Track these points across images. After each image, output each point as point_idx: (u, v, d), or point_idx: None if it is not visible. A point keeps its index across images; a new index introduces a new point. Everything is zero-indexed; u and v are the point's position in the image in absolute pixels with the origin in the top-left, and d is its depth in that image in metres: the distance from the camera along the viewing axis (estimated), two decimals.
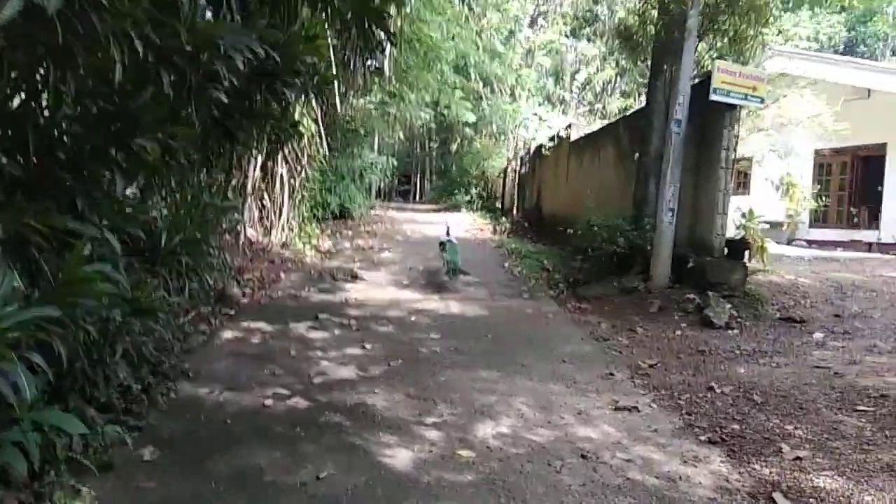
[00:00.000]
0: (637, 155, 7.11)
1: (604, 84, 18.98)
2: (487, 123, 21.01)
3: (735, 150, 6.47)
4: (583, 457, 3.00)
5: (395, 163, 17.60)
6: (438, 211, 21.09)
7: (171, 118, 2.61)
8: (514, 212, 18.49)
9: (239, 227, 7.96)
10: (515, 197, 18.88)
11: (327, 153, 9.91)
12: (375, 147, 28.77)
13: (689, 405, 3.82)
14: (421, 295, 6.84)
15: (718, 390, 4.04)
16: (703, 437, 3.34)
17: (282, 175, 8.81)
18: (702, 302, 5.74)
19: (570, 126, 11.66)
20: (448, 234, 8.61)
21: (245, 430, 3.02)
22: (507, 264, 9.06)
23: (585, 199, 9.97)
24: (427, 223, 14.33)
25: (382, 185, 31.19)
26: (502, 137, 23.06)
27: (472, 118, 16.56)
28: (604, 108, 16.83)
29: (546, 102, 20.53)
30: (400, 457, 2.84)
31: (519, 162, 19.10)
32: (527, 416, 3.47)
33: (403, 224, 14.73)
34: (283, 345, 4.61)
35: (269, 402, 3.40)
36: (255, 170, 8.30)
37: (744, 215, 6.94)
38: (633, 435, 3.32)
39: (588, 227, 7.29)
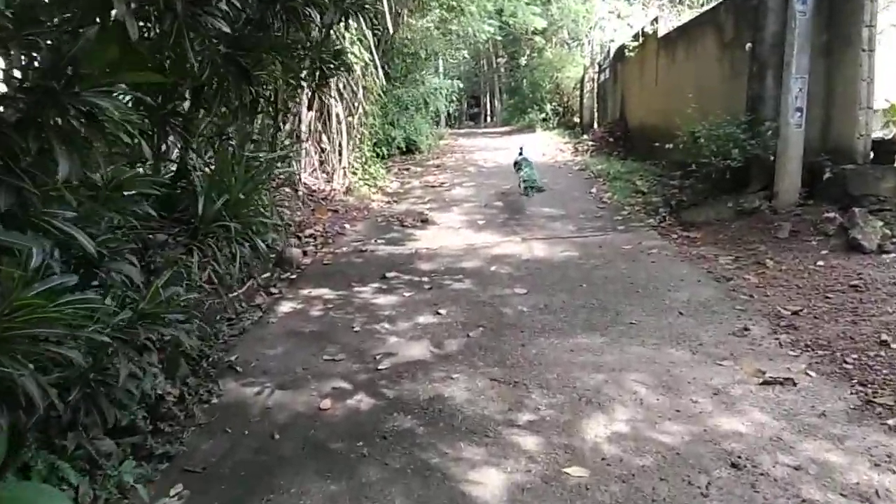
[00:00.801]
0: (749, 45, 5.85)
1: None
2: (558, 29, 19.28)
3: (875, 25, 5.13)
4: (734, 465, 2.26)
5: (462, 85, 16.50)
6: (511, 133, 19.90)
7: (135, 59, 1.93)
8: (595, 127, 17.05)
9: (296, 177, 7.45)
10: (595, 110, 17.36)
11: (385, 83, 9.07)
12: (441, 70, 27.59)
13: (859, 370, 2.95)
14: (500, 237, 6.10)
15: (894, 344, 3.14)
16: (891, 422, 2.50)
17: (338, 114, 8.13)
18: (845, 221, 4.66)
19: (656, 19, 10.15)
20: (521, 153, 8.49)
21: (296, 448, 2.48)
22: (594, 190, 8.09)
23: (682, 105, 8.70)
24: (500, 149, 13.35)
25: (450, 110, 30.14)
26: (575, 44, 21.23)
27: (541, 24, 15.07)
28: None
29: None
30: (489, 482, 2.21)
31: (597, 69, 17.44)
32: (648, 403, 2.74)
33: (475, 153, 13.84)
34: (346, 317, 4.05)
35: (326, 403, 2.85)
36: (307, 111, 7.66)
37: (891, 108, 5.62)
38: (794, 424, 2.53)
39: (692, 138, 6.20)
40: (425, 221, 6.96)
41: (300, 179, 7.44)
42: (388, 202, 8.12)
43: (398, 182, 9.55)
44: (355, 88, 8.42)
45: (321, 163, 8.23)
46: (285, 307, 4.31)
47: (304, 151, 7.67)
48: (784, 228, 4.98)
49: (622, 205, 7.13)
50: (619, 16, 16.70)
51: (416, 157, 13.02)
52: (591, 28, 18.71)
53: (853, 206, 4.67)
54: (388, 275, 4.93)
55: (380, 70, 8.77)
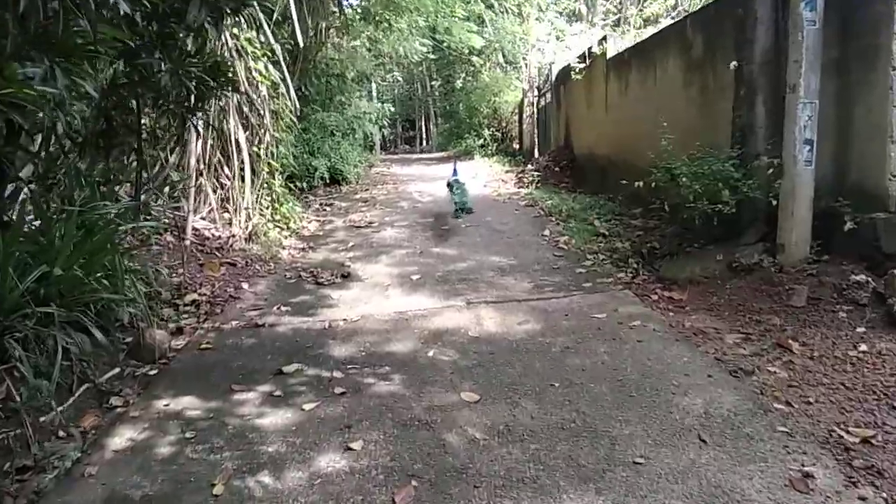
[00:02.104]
0: (734, 64, 4.93)
1: None
2: (494, 51, 18.52)
3: None
4: None
5: (393, 109, 15.37)
6: (449, 160, 18.91)
7: None
8: (536, 153, 16.27)
9: (183, 222, 6.03)
10: (535, 136, 16.60)
11: (300, 107, 7.77)
12: (374, 94, 26.50)
13: None
14: (439, 300, 4.87)
15: None
16: None
17: (238, 142, 6.76)
18: (882, 287, 3.70)
19: (604, 38, 9.34)
20: (455, 173, 8.97)
21: None
22: (547, 232, 7.02)
23: (638, 134, 7.83)
24: (437, 178, 12.22)
25: (385, 134, 29.03)
26: (512, 67, 20.58)
27: (478, 42, 14.18)
28: (640, 13, 14.21)
29: (559, 18, 17.92)
30: None
31: (536, 93, 16.72)
32: None
33: (409, 184, 12.67)
34: (208, 459, 2.69)
35: None
36: (196, 139, 6.27)
37: None
38: None
39: (667, 175, 5.20)
40: (346, 277, 5.67)
41: (188, 225, 6.02)
42: (303, 249, 6.77)
43: (317, 222, 8.21)
44: (262, 112, 7.09)
45: (223, 201, 6.82)
46: (121, 438, 2.90)
47: (193, 189, 6.26)
48: (799, 294, 3.98)
49: (583, 252, 6.06)
50: (557, 37, 16.09)
51: (343, 188, 11.71)
52: (528, 50, 18.05)
53: (889, 266, 3.71)
54: (288, 368, 3.60)
55: (292, 91, 7.47)
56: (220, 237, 6.32)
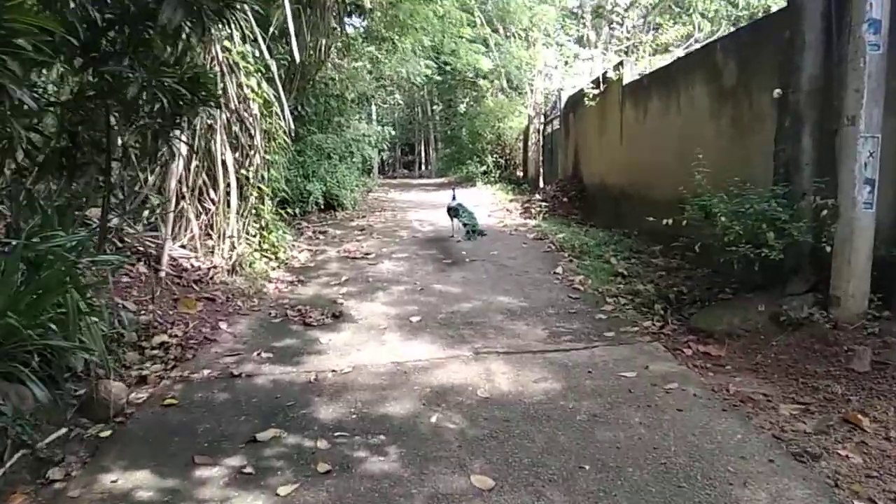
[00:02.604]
0: (778, 92, 4.50)
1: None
2: (499, 76, 18.26)
3: None
4: None
5: (394, 132, 15.01)
6: (449, 185, 18.51)
7: None
8: (541, 182, 15.89)
9: (161, 250, 5.54)
10: (541, 164, 16.22)
11: (295, 127, 7.33)
12: (374, 117, 26.25)
13: None
14: (443, 348, 4.36)
15: None
16: None
17: (225, 163, 6.30)
18: None
19: (620, 64, 8.98)
20: (454, 197, 8.59)
21: None
22: (560, 269, 6.52)
23: (657, 167, 7.41)
24: (438, 206, 11.72)
25: (383, 157, 28.70)
26: (517, 92, 20.32)
27: (486, 65, 13.86)
28: (654, 40, 13.92)
29: (569, 42, 17.70)
30: None
31: (542, 120, 16.41)
32: None
33: (409, 211, 12.22)
34: None
35: None
36: (179, 160, 5.81)
37: None
38: None
39: (701, 212, 4.73)
40: (338, 317, 5.16)
41: (164, 254, 5.51)
42: (292, 283, 6.26)
43: (309, 252, 7.71)
44: (253, 131, 6.64)
45: (207, 228, 6.33)
46: None
47: (172, 214, 5.77)
48: (862, 357, 3.48)
49: (601, 295, 5.57)
50: (566, 62, 15.82)
51: (338, 215, 11.25)
52: (534, 76, 17.78)
53: None
54: (263, 435, 3.07)
55: (286, 110, 7.04)
56: (199, 268, 5.81)
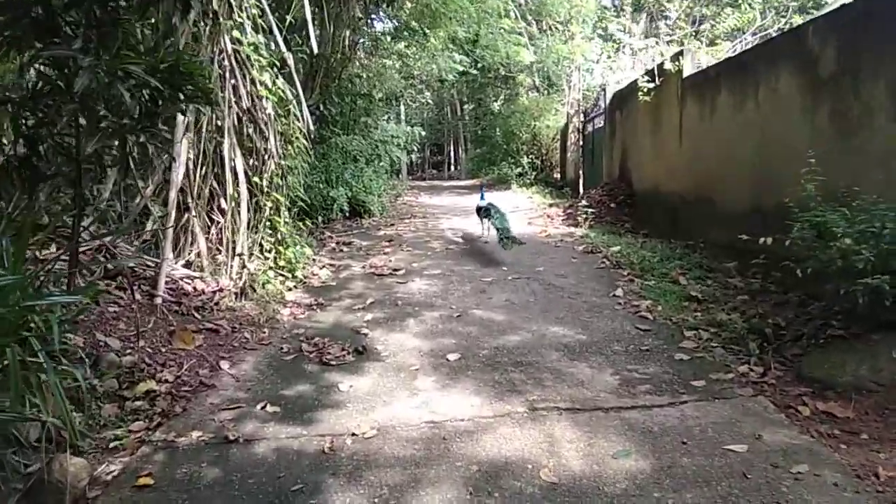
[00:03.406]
0: None
1: None
2: (534, 71, 17.36)
3: None
4: None
5: (424, 133, 14.27)
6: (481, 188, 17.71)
7: None
8: (581, 186, 14.95)
9: (158, 271, 4.84)
10: (581, 166, 15.28)
11: (317, 129, 6.59)
12: (402, 117, 25.59)
13: None
14: (488, 402, 3.53)
15: None
16: None
17: (235, 170, 5.59)
18: None
19: (680, 54, 8.04)
20: (483, 197, 8.33)
21: None
22: (620, 291, 5.64)
23: (725, 170, 6.50)
24: (473, 213, 10.94)
25: (412, 158, 28.02)
26: (554, 89, 19.39)
27: (527, 57, 13.01)
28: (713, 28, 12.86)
29: (613, 36, 16.72)
30: None
31: (582, 118, 15.46)
32: None
33: (441, 218, 11.41)
34: None
35: None
36: (180, 167, 5.10)
37: None
38: None
39: (812, 230, 3.83)
40: (361, 353, 4.37)
41: (160, 276, 4.80)
42: (310, 307, 5.50)
43: (331, 267, 6.95)
44: (267, 134, 5.91)
45: (214, 243, 5.62)
46: None
47: (171, 229, 5.06)
48: None
49: (677, 325, 4.68)
50: (609, 55, 14.87)
51: (365, 222, 10.51)
52: (572, 71, 16.84)
53: None
54: None
55: (305, 109, 6.31)
56: (203, 292, 5.09)
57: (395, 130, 12.90)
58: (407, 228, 9.92)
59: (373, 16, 13.06)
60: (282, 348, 4.48)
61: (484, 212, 8.00)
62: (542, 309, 5.27)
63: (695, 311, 5.01)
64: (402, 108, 27.52)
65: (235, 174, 5.63)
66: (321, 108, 9.47)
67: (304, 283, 6.13)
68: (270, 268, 5.87)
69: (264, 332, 4.77)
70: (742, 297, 5.26)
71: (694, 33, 13.01)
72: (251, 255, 5.57)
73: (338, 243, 8.39)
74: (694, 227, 7.44)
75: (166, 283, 5.01)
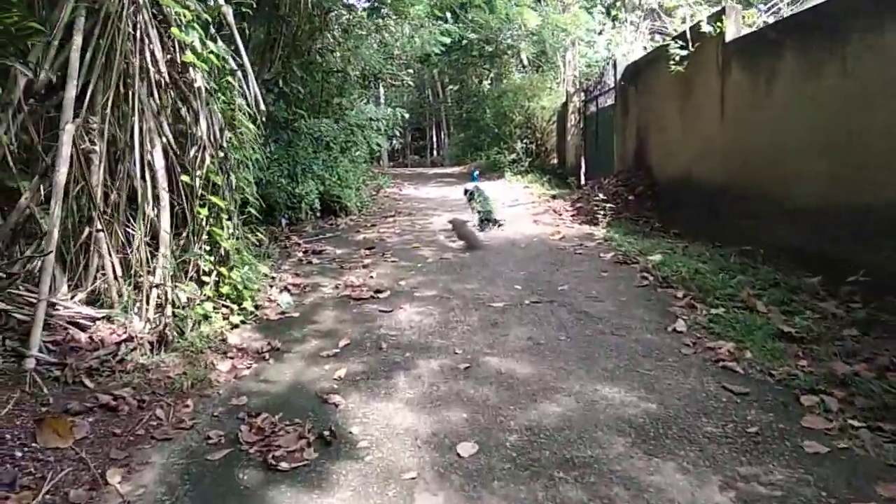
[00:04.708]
0: None
1: None
2: (533, 43, 15.85)
3: None
4: None
5: (407, 115, 12.80)
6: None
7: None
8: (583, 173, 13.61)
9: (33, 316, 3.39)
10: (583, 150, 13.90)
11: (263, 107, 5.09)
12: (382, 99, 23.98)
13: None
14: None
15: None
16: None
17: (152, 166, 4.11)
18: None
19: (722, 12, 6.62)
20: (474, 178, 8.63)
21: None
22: (681, 324, 4.25)
23: (803, 150, 5.16)
24: (467, 207, 9.50)
25: (393, 143, 26.51)
26: (548, 65, 17.94)
27: (533, 20, 11.62)
28: None
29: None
30: None
31: (583, 97, 14.04)
32: None
33: (430, 216, 9.93)
34: None
35: None
36: (61, 163, 3.63)
37: None
38: None
39: None
40: (329, 442, 2.94)
41: (35, 323, 3.34)
42: (260, 356, 4.03)
43: (295, 288, 5.49)
44: (198, 114, 4.42)
45: (123, 269, 4.13)
46: None
47: (53, 254, 3.59)
48: None
49: (783, 384, 3.31)
50: (614, 24, 13.45)
51: (340, 222, 9.02)
52: (571, 43, 15.40)
53: None
54: None
55: (252, 82, 4.82)
56: (103, 342, 3.62)
57: (374, 113, 11.37)
58: (391, 230, 8.44)
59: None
60: (208, 437, 3.03)
61: (469, 194, 8.36)
62: (581, 353, 3.88)
63: (797, 356, 3.65)
64: (382, 90, 25.96)
65: (153, 171, 4.15)
66: (281, 84, 7.96)
67: (257, 315, 4.66)
68: (208, 298, 4.39)
69: (188, 407, 3.31)
70: (849, 331, 3.91)
71: None
72: (174, 285, 4.09)
73: (306, 252, 6.91)
74: (744, 226, 6.09)
75: (50, 331, 3.56)
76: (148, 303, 3.95)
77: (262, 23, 7.47)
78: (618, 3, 14.69)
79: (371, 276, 5.87)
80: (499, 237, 7.56)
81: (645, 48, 12.56)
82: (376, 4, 12.26)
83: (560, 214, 9.20)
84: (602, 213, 7.93)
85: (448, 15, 11.74)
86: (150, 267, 4.05)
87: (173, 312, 4.01)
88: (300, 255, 6.77)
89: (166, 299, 4.00)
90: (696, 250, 6.12)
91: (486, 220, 7.55)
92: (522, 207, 10.20)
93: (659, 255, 5.74)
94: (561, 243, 7.10)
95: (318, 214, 8.92)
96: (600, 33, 14.28)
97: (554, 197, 11.28)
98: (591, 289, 5.18)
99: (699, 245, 6.43)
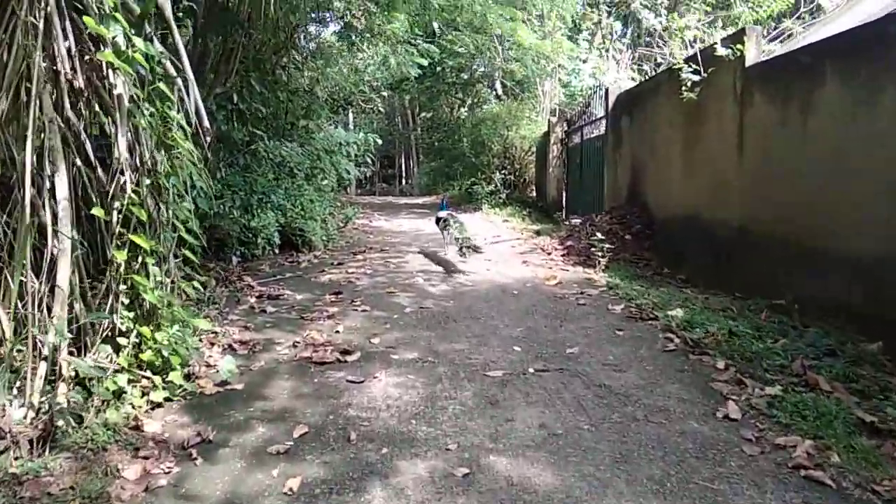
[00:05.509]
0: None
1: None
2: (509, 71, 15.29)
3: None
4: None
5: (379, 140, 11.99)
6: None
7: None
8: (563, 207, 12.95)
9: None
10: (566, 182, 13.24)
11: (207, 125, 4.16)
12: (351, 125, 23.22)
13: None
14: None
15: None
16: None
17: (52, 191, 3.14)
18: None
19: (742, 32, 5.95)
20: (443, 206, 8.70)
21: None
22: (733, 407, 3.40)
23: (845, 193, 4.45)
24: (449, 243, 8.63)
25: (363, 171, 25.76)
26: (528, 94, 17.40)
27: (528, 38, 11.01)
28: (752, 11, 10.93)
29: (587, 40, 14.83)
30: None
31: (566, 127, 13.43)
32: None
33: (405, 252, 9.03)
34: None
35: None
36: None
37: None
38: None
39: None
40: None
41: None
42: (184, 453, 3.03)
43: (243, 347, 4.50)
44: (119, 133, 3.47)
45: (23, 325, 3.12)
46: None
47: None
48: None
49: (893, 502, 2.47)
50: (601, 52, 12.92)
51: (303, 259, 8.03)
52: (551, 71, 14.86)
53: None
54: None
55: (194, 90, 3.90)
56: None
57: (344, 137, 10.48)
58: (361, 270, 7.48)
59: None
60: None
61: (443, 222, 8.06)
62: (614, 451, 2.98)
63: (893, 459, 2.82)
64: (351, 115, 25.19)
65: (54, 202, 3.18)
66: (237, 100, 7.05)
67: (187, 389, 3.65)
68: (124, 368, 3.39)
69: None
70: None
71: (708, 23, 11.08)
72: (76, 351, 3.09)
73: (259, 297, 5.92)
74: (770, 275, 5.35)
75: None
76: (33, 380, 2.94)
77: (216, 29, 6.58)
78: (602, 32, 14.23)
79: (337, 331, 4.90)
80: (485, 281, 6.69)
81: (633, 79, 12.03)
82: (346, 29, 11.58)
83: (549, 253, 8.39)
84: (600, 253, 7.13)
85: (424, 36, 11.02)
86: (43, 330, 3.05)
87: (69, 391, 3.00)
88: (252, 300, 5.77)
89: (59, 375, 3.00)
90: (717, 303, 5.33)
91: (467, 246, 7.28)
92: (507, 245, 9.38)
93: (680, 311, 4.92)
94: (559, 290, 6.23)
95: (278, 250, 7.94)
96: (585, 61, 13.74)
97: (538, 232, 10.50)
98: (606, 353, 4.31)
99: (717, 296, 5.65)
